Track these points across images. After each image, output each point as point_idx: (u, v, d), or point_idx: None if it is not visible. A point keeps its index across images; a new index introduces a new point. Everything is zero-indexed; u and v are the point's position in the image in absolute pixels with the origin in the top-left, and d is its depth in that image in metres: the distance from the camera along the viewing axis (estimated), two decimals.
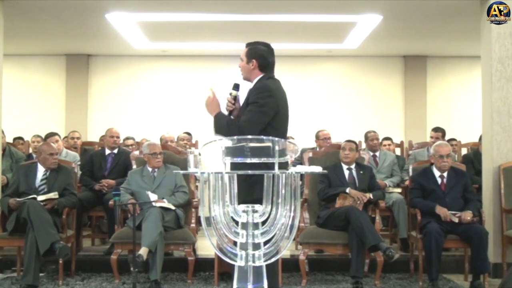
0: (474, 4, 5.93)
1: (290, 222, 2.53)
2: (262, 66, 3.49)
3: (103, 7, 6.69)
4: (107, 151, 6.22)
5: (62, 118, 9.35)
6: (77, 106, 9.32)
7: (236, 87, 3.48)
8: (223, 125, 3.39)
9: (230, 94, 3.47)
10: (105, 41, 8.47)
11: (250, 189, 2.97)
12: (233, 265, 2.58)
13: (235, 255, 2.55)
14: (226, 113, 3.48)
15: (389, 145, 7.25)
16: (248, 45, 3.54)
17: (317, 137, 6.92)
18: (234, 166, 2.74)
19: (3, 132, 6.21)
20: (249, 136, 2.62)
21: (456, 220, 4.79)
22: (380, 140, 6.80)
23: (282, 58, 9.11)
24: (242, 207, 2.58)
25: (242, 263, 2.54)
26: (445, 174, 5.05)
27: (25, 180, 5.11)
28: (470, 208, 4.87)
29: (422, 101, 9.44)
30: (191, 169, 2.57)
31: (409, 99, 9.46)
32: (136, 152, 5.65)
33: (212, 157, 2.57)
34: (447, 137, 6.91)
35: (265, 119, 3.36)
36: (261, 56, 3.48)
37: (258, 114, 3.35)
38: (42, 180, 5.15)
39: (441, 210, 4.83)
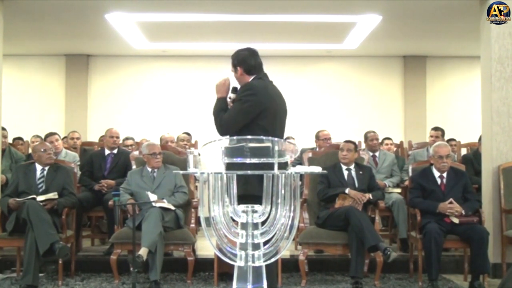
0: (474, 4, 5.93)
1: (289, 222, 2.53)
2: (247, 70, 3.56)
3: (103, 7, 6.69)
4: (107, 151, 6.22)
5: (62, 118, 9.35)
6: (77, 106, 9.32)
7: (235, 90, 3.56)
8: (216, 110, 3.54)
9: (229, 98, 3.54)
10: (105, 41, 8.47)
11: None
12: (233, 265, 2.58)
13: (235, 255, 2.55)
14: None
15: (390, 144, 7.27)
16: (232, 56, 3.63)
17: (317, 137, 6.92)
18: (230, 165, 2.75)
19: (4, 129, 6.21)
20: (249, 137, 2.62)
21: (457, 220, 4.79)
22: (379, 140, 6.80)
23: (282, 58, 9.21)
24: (242, 207, 2.57)
25: (242, 263, 2.54)
26: (444, 175, 5.05)
27: (24, 179, 5.12)
28: (466, 206, 4.86)
29: (422, 101, 9.45)
30: (191, 169, 2.57)
31: (409, 99, 9.46)
32: (136, 152, 5.65)
33: (211, 158, 2.57)
34: (446, 137, 6.91)
35: (246, 116, 3.42)
36: (242, 61, 3.56)
37: (239, 111, 3.43)
38: (39, 178, 5.16)
39: (445, 206, 4.82)
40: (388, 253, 4.55)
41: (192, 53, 9.26)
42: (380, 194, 5.30)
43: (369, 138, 6.54)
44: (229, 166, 2.65)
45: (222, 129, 3.44)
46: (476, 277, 4.74)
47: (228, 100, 3.54)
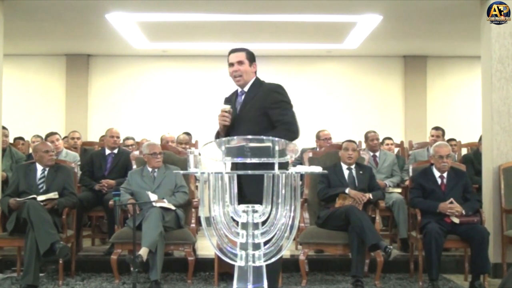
0: (474, 4, 5.94)
1: (290, 222, 2.53)
2: (256, 70, 3.62)
3: (103, 7, 6.70)
4: (107, 151, 6.23)
5: (62, 118, 9.36)
6: (77, 106, 9.33)
7: (228, 101, 3.52)
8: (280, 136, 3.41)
9: (227, 111, 3.42)
10: (105, 41, 8.48)
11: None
12: (233, 265, 2.57)
13: (235, 255, 2.55)
14: (220, 128, 3.48)
15: (391, 144, 7.27)
16: (243, 49, 3.59)
17: (318, 137, 6.92)
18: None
19: (5, 128, 6.21)
20: (249, 136, 2.62)
21: (457, 220, 4.79)
22: (380, 140, 6.80)
23: (282, 58, 9.21)
24: (242, 207, 2.57)
25: (242, 263, 2.54)
26: (445, 175, 5.05)
27: (25, 179, 5.11)
28: (466, 206, 4.86)
29: (422, 101, 9.45)
30: (191, 169, 2.57)
31: (409, 99, 9.46)
32: (136, 152, 5.65)
33: (211, 157, 2.57)
34: (447, 137, 6.91)
35: None
36: (255, 60, 3.60)
37: (293, 112, 3.47)
38: (40, 179, 5.15)
39: (445, 206, 4.82)
40: (389, 250, 4.55)
41: (192, 53, 9.26)
42: (380, 194, 5.29)
43: (370, 138, 6.53)
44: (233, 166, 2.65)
45: (295, 133, 3.42)
46: (477, 277, 4.74)
47: (226, 113, 3.41)
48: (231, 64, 3.54)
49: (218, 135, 3.50)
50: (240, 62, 3.52)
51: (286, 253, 4.83)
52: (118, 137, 6.37)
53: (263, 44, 8.20)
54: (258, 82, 3.57)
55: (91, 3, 6.52)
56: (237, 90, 3.63)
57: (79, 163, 6.13)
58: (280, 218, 2.53)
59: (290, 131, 3.37)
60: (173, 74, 9.49)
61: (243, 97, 3.56)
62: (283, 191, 2.51)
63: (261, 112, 3.45)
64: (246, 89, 3.56)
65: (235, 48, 3.60)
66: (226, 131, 3.46)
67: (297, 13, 6.98)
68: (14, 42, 7.99)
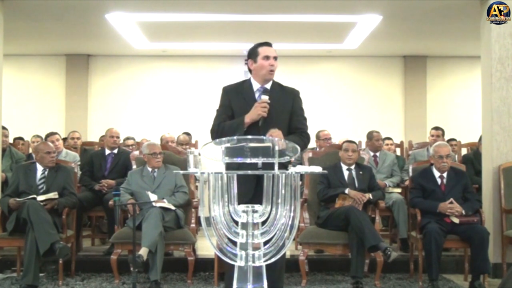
0: (474, 4, 5.94)
1: (290, 222, 2.53)
2: None
3: (103, 7, 6.70)
4: (107, 151, 6.23)
5: (62, 118, 9.35)
6: (77, 106, 9.33)
7: (267, 92, 3.45)
8: (301, 143, 3.37)
9: (267, 102, 3.35)
10: (105, 41, 8.48)
11: None
12: (233, 265, 2.57)
13: (235, 255, 2.55)
14: (250, 118, 3.35)
15: (391, 144, 7.26)
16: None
17: (318, 137, 6.92)
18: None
19: (4, 128, 6.20)
20: (249, 136, 2.63)
21: (457, 220, 4.79)
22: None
23: (282, 58, 9.03)
24: (242, 207, 2.57)
25: (242, 263, 2.54)
26: (444, 175, 5.05)
27: (25, 179, 5.11)
28: (466, 206, 4.86)
29: (422, 101, 9.45)
30: (191, 169, 2.57)
31: (409, 99, 9.47)
32: (136, 152, 5.65)
33: (211, 157, 2.57)
34: (447, 137, 6.91)
35: None
36: None
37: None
38: (40, 179, 5.15)
39: (445, 206, 4.81)
40: (389, 253, 4.54)
41: (192, 53, 9.26)
42: (380, 194, 5.29)
43: (375, 137, 6.51)
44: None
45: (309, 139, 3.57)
46: (476, 277, 4.74)
47: (265, 103, 3.33)
48: (267, 57, 3.42)
49: (237, 128, 3.31)
50: (276, 58, 3.48)
51: (286, 253, 4.84)
52: (118, 137, 6.37)
53: None
54: (277, 83, 3.54)
55: (91, 3, 6.52)
56: (247, 84, 3.51)
57: (79, 163, 6.13)
58: (280, 218, 2.53)
59: (307, 142, 3.53)
60: (173, 74, 9.49)
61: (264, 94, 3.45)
62: (283, 191, 2.51)
63: (288, 115, 3.47)
64: (267, 86, 3.49)
65: (268, 42, 3.51)
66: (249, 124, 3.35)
67: (297, 13, 6.98)
68: (14, 42, 7.99)
